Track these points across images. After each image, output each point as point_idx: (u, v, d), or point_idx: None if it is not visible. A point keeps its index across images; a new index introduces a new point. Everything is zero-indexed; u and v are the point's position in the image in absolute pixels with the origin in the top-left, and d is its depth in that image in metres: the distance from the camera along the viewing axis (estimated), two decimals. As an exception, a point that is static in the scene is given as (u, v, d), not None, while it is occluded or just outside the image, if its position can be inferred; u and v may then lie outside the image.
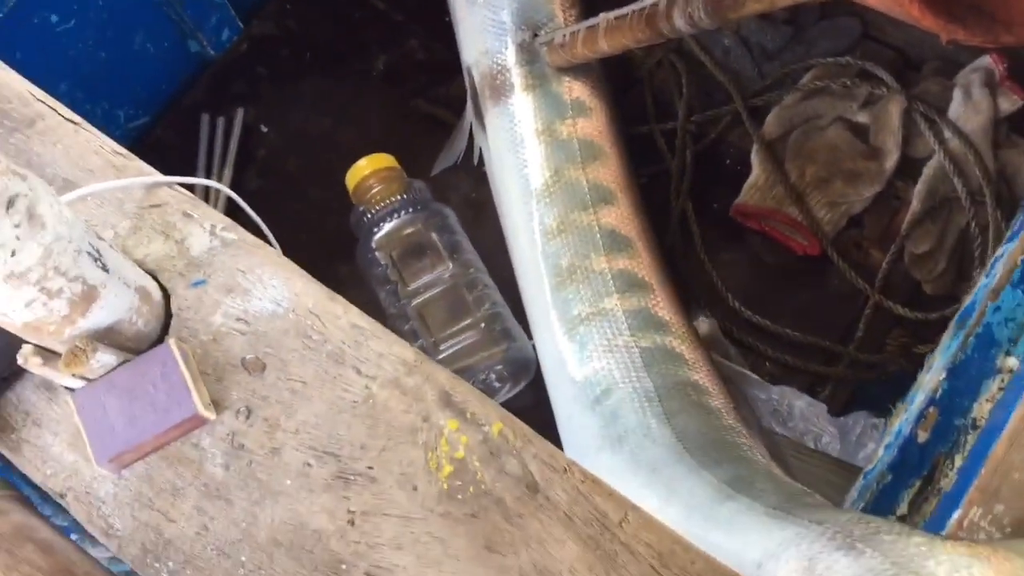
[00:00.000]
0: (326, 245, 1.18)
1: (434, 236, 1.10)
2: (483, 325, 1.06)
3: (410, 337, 1.04)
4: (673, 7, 0.93)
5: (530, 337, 1.07)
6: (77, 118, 0.75)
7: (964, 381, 0.73)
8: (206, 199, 1.18)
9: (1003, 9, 1.14)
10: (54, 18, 1.15)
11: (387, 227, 1.10)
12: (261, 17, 1.37)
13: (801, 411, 0.98)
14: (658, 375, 0.94)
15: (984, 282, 0.78)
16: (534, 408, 1.05)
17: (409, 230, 1.10)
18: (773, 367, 1.08)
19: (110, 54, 1.23)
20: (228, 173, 1.26)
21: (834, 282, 1.11)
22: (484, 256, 1.14)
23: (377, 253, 1.09)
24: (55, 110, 0.75)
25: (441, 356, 1.04)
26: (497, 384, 1.06)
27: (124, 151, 0.74)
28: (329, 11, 1.36)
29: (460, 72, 1.23)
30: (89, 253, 0.59)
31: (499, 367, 1.04)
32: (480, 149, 1.18)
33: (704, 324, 1.09)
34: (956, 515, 0.61)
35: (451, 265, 1.08)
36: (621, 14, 1.00)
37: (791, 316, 1.10)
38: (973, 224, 1.09)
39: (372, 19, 1.34)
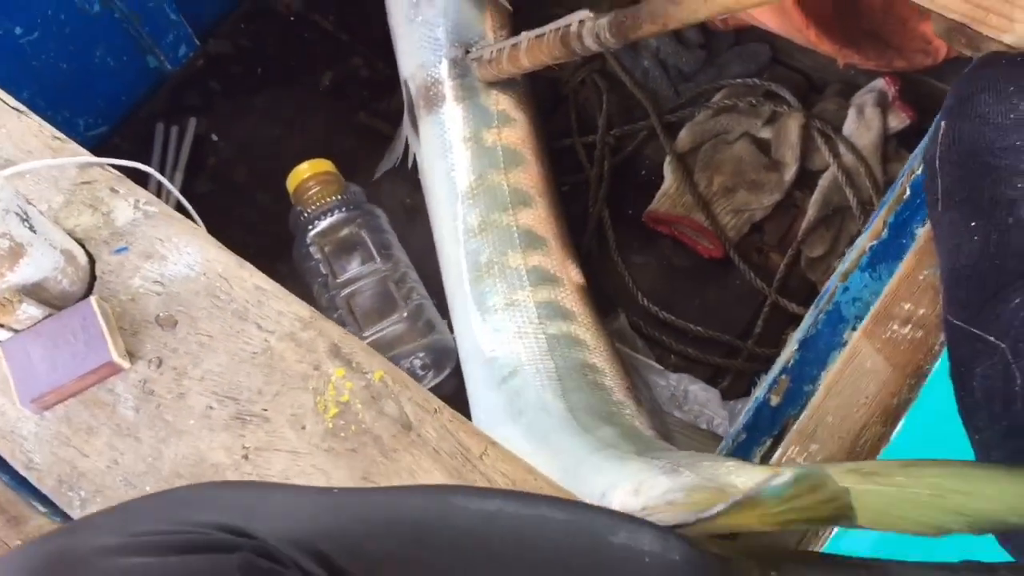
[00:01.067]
0: (268, 244, 1.25)
1: (365, 234, 1.18)
2: (407, 316, 1.14)
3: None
4: (583, 28, 1.03)
5: (452, 329, 1.15)
6: (21, 107, 0.83)
7: (814, 352, 0.81)
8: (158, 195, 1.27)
9: (896, 36, 1.25)
10: (18, 30, 1.24)
11: (321, 225, 1.18)
12: (217, 36, 1.46)
13: (695, 395, 1.06)
14: (560, 358, 1.02)
15: (839, 268, 0.87)
16: (457, 395, 1.13)
17: (342, 228, 1.18)
18: (678, 359, 1.16)
19: (71, 66, 1.32)
20: (179, 177, 1.34)
21: (736, 283, 1.20)
22: (414, 256, 1.22)
23: (311, 248, 1.17)
24: (3, 100, 0.83)
25: (366, 344, 1.11)
26: (421, 372, 1.13)
27: (61, 136, 0.82)
28: (281, 31, 1.45)
29: (400, 88, 1.32)
30: (17, 214, 0.66)
31: (422, 354, 1.12)
32: (415, 155, 1.26)
33: (615, 320, 1.17)
34: (777, 453, 0.69)
35: (379, 261, 1.16)
36: (540, 33, 1.10)
37: (696, 313, 1.18)
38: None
39: (320, 39, 1.44)
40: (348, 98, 1.40)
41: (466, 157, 1.19)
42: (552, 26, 1.09)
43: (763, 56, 1.32)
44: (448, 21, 1.26)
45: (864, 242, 0.85)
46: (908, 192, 0.86)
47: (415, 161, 1.27)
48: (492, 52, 1.20)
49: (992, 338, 0.56)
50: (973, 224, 0.60)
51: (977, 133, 0.62)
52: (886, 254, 0.84)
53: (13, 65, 1.25)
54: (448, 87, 1.23)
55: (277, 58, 1.43)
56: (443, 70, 1.24)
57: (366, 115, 1.38)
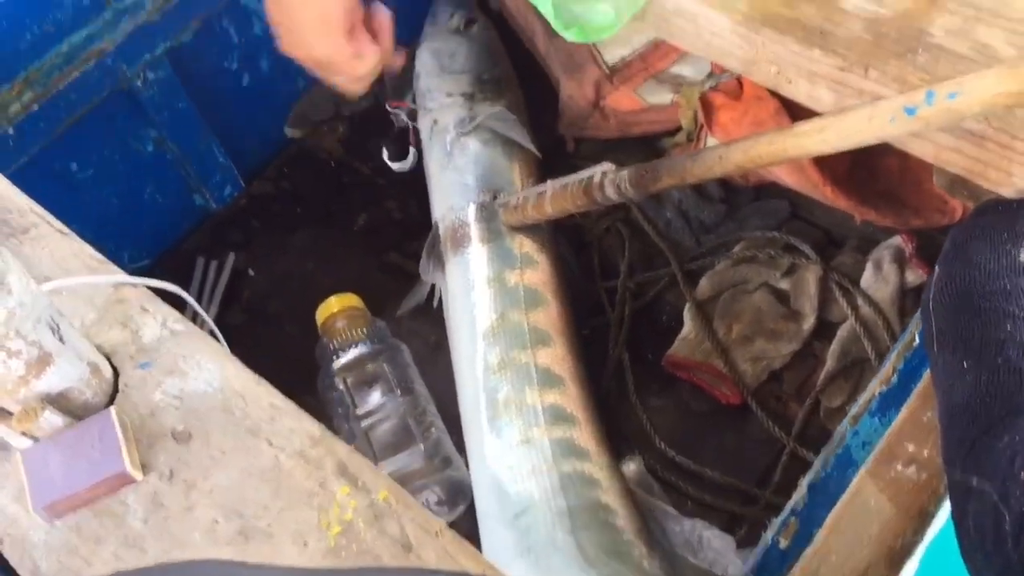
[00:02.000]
0: (294, 374, 1.27)
1: (387, 368, 1.20)
2: (424, 450, 1.15)
3: (355, 457, 1.13)
4: (605, 179, 1.08)
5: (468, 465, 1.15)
6: (66, 229, 0.88)
7: (823, 496, 0.81)
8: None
9: (913, 197, 1.28)
10: (74, 166, 1.32)
11: (346, 357, 1.21)
12: (261, 177, 1.53)
13: (710, 542, 1.04)
14: (573, 496, 1.02)
15: (850, 411, 0.87)
16: (471, 535, 1.12)
17: (366, 361, 1.21)
18: (694, 505, 1.15)
19: (121, 202, 1.39)
20: (214, 309, 1.38)
21: (754, 430, 1.20)
22: (435, 391, 1.24)
23: (335, 379, 1.20)
24: (48, 222, 0.88)
25: (382, 476, 1.12)
26: (435, 508, 1.13)
27: (100, 256, 0.86)
28: (321, 174, 1.53)
29: (430, 230, 1.38)
30: (48, 324, 0.70)
31: (437, 489, 1.12)
32: (440, 293, 1.30)
33: (632, 463, 1.17)
34: (779, 589, 0.68)
35: (400, 394, 1.18)
36: (565, 183, 1.15)
37: (713, 459, 1.18)
38: (880, 380, 1.18)
39: (358, 182, 1.51)
40: (381, 238, 1.45)
41: (489, 296, 1.22)
42: (576, 177, 1.14)
43: (782, 211, 1.36)
44: (478, 168, 1.33)
45: (875, 387, 0.86)
46: (917, 340, 0.87)
47: (440, 299, 1.31)
48: (518, 199, 1.25)
49: (981, 478, 0.57)
50: (965, 364, 0.62)
51: (968, 276, 0.64)
52: (895, 399, 0.84)
53: (66, 199, 1.32)
54: (475, 229, 1.28)
55: (316, 199, 1.50)
56: (471, 213, 1.29)
57: (397, 255, 1.43)
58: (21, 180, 1.20)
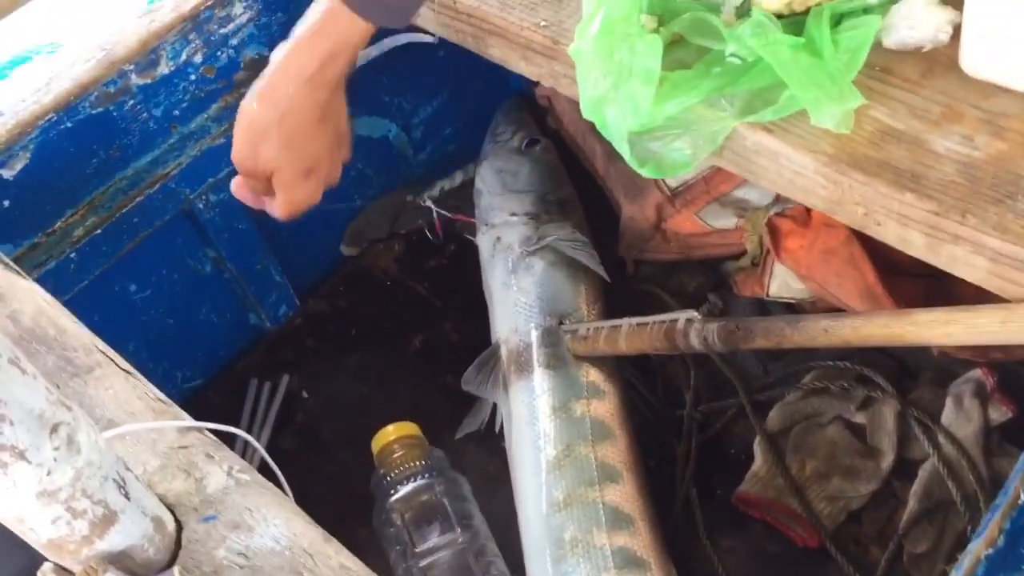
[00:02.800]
0: (349, 505, 1.24)
1: (446, 502, 1.15)
2: (485, 593, 1.09)
3: (414, 599, 1.08)
4: (690, 328, 1.05)
5: (531, 609, 1.10)
6: (131, 368, 0.86)
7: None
8: (243, 456, 1.28)
9: (992, 326, 1.23)
10: (133, 287, 1.31)
11: (403, 491, 1.17)
12: (317, 296, 1.52)
13: None
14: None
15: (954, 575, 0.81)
16: None
17: (423, 495, 1.16)
18: (771, 658, 1.08)
19: (177, 321, 1.37)
20: (266, 433, 1.35)
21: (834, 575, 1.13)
22: (495, 526, 1.19)
23: (392, 514, 1.15)
24: (113, 360, 0.86)
25: (441, 621, 1.07)
26: (496, 655, 1.07)
27: (165, 398, 0.84)
28: (377, 295, 1.51)
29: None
30: (115, 480, 0.67)
31: (498, 636, 1.07)
32: (501, 420, 1.26)
33: (703, 608, 1.10)
34: None
35: (459, 531, 1.13)
36: (643, 322, 1.12)
37: (791, 607, 1.11)
38: (970, 529, 1.11)
39: (414, 303, 1.49)
40: (438, 361, 1.42)
41: (554, 427, 1.18)
42: (656, 319, 1.11)
43: (854, 339, 1.31)
44: (544, 290, 1.30)
45: (979, 549, 0.80)
46: (1023, 496, 0.82)
47: (500, 425, 1.27)
48: (588, 330, 1.22)
49: None
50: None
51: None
52: (1003, 564, 0.78)
53: (123, 319, 1.31)
54: (539, 355, 1.24)
55: (371, 319, 1.48)
56: (535, 338, 1.26)
57: (454, 379, 1.40)
58: (80, 303, 1.20)
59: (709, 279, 1.45)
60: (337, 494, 1.27)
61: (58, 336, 0.87)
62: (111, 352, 0.87)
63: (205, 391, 1.43)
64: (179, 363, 1.41)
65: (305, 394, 1.41)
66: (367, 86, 1.47)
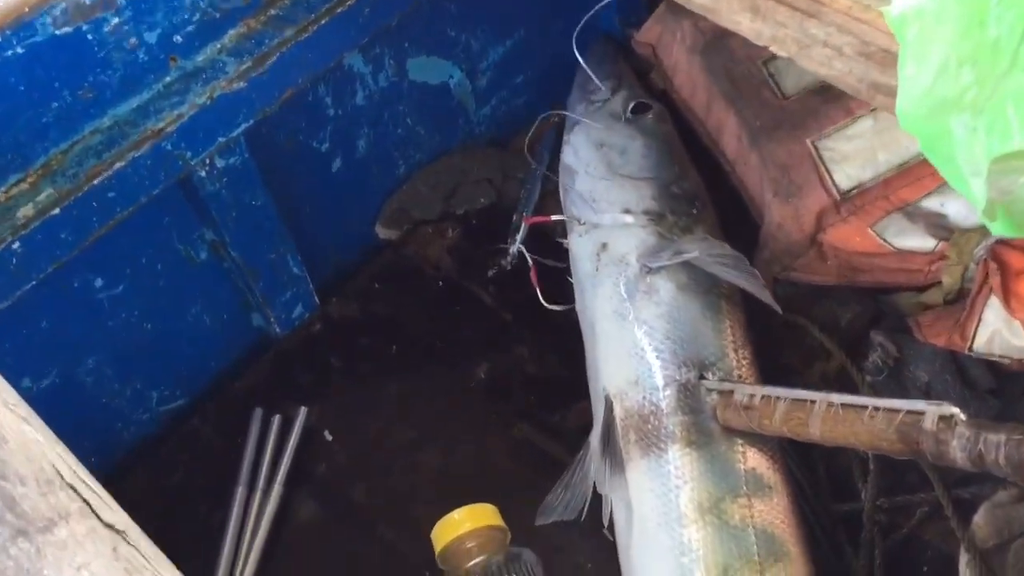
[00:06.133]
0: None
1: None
2: None
3: None
4: (948, 432, 0.69)
5: None
6: (122, 520, 0.48)
7: None
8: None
9: None
10: (99, 282, 0.92)
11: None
12: (343, 295, 1.14)
13: None
14: None
15: None
16: None
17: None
18: None
19: (157, 325, 0.99)
20: (278, 490, 0.98)
21: None
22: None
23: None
24: (89, 504, 0.48)
25: None
26: None
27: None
28: (425, 299, 1.13)
29: (581, 398, 0.99)
30: None
31: None
32: (611, 508, 0.91)
33: None
34: None
35: None
36: (854, 404, 0.77)
37: None
38: None
39: (476, 315, 1.11)
40: (507, 400, 1.06)
41: (703, 540, 0.84)
42: (882, 404, 0.75)
43: (1076, 415, 0.98)
44: (677, 327, 0.95)
45: None
46: None
47: (610, 518, 0.92)
48: (750, 397, 0.86)
49: None
50: None
51: None
52: None
53: (82, 324, 0.93)
54: (675, 423, 0.89)
55: (418, 333, 1.10)
56: (668, 398, 0.90)
57: (529, 428, 1.04)
58: (21, 305, 0.82)
59: (867, 311, 1.10)
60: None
61: (-10, 449, 0.49)
62: (97, 488, 0.49)
63: (189, 417, 1.05)
64: (155, 380, 1.03)
65: (328, 435, 1.03)
66: (430, 14, 1.08)
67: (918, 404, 0.76)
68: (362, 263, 1.16)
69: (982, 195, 0.54)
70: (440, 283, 1.14)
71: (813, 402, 0.81)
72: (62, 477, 0.49)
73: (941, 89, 0.54)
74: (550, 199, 1.15)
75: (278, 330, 1.09)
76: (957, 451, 0.72)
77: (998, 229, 0.56)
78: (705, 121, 1.18)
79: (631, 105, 1.14)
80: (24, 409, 0.51)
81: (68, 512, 0.48)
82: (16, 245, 0.78)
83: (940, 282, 1.02)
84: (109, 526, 0.48)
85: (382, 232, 1.17)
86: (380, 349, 1.09)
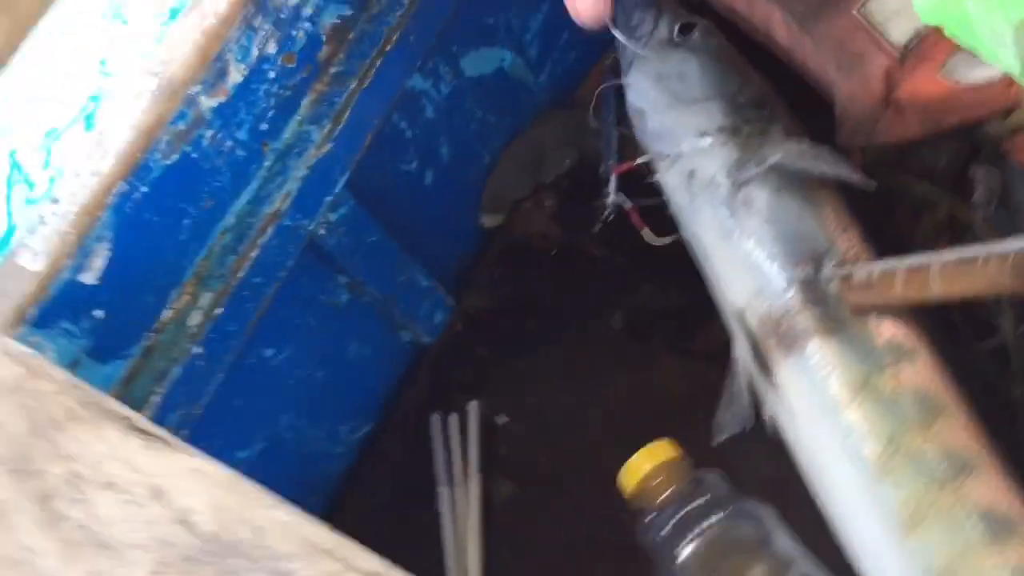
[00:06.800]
0: (602, 557, 0.99)
1: (760, 546, 0.89)
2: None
3: None
4: None
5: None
6: None
7: None
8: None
9: None
10: (269, 352, 1.03)
11: (688, 550, 0.90)
12: (470, 289, 1.23)
13: None
14: None
15: None
16: None
17: (724, 542, 0.90)
18: None
19: (328, 370, 1.11)
20: (476, 479, 1.09)
21: None
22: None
23: (689, 579, 0.89)
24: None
25: None
26: None
27: None
28: (544, 270, 1.21)
29: (715, 316, 1.05)
30: None
31: None
32: (771, 415, 0.98)
33: None
34: None
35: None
36: (964, 258, 0.81)
37: None
38: None
39: (595, 270, 1.19)
40: (649, 338, 1.13)
41: (860, 417, 0.89)
42: (993, 249, 0.79)
43: None
44: (782, 229, 0.99)
45: None
46: None
47: (772, 424, 0.99)
48: (869, 273, 0.91)
49: None
50: None
51: None
52: None
53: (268, 393, 1.04)
54: (807, 319, 0.94)
55: (548, 304, 1.19)
56: (794, 297, 0.96)
57: (677, 356, 1.11)
58: (217, 398, 0.94)
59: (962, 149, 1.12)
60: (584, 541, 1.02)
61: (257, 538, 0.60)
62: (349, 544, 0.59)
63: (380, 439, 1.17)
64: (340, 416, 1.15)
65: (500, 419, 1.14)
66: (466, 13, 1.14)
67: (1019, 240, 0.79)
68: (479, 255, 1.24)
69: (1015, 62, 0.58)
70: (553, 252, 1.22)
71: (927, 265, 0.86)
72: (317, 544, 0.60)
73: (951, -21, 0.58)
74: (630, 143, 1.20)
75: (427, 339, 1.19)
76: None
77: (1044, 86, 0.59)
78: (751, 19, 1.20)
79: (676, 28, 1.18)
80: (270, 498, 0.61)
81: (333, 573, 0.58)
82: (198, 350, 0.90)
83: (1022, 103, 1.03)
84: (369, 574, 0.58)
85: (487, 221, 1.25)
86: (520, 328, 1.18)
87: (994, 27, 0.57)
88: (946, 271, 0.85)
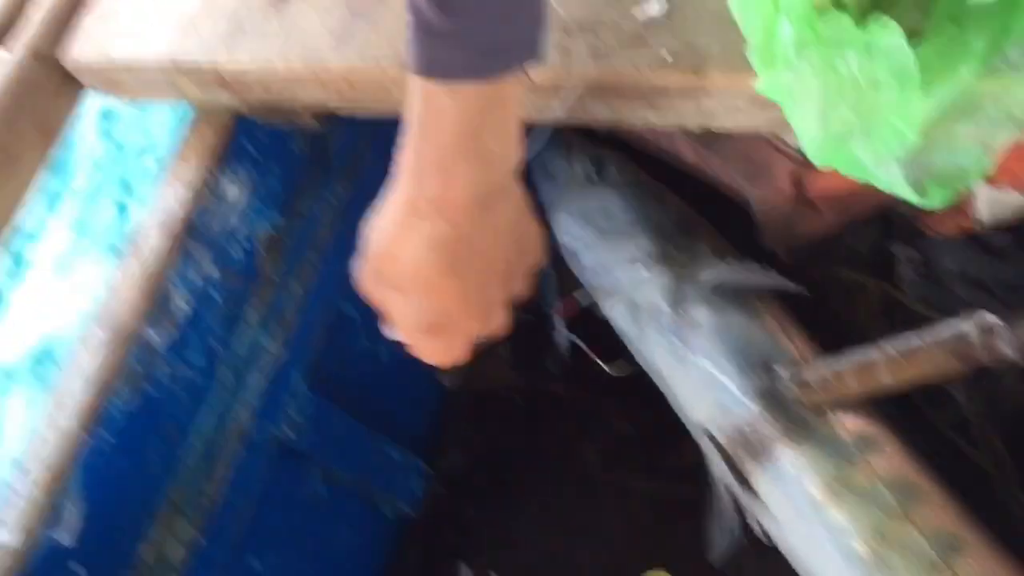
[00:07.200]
0: None
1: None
2: None
3: None
4: (995, 339, 0.77)
5: None
6: None
7: None
8: None
9: None
10: (257, 565, 1.03)
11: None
12: (443, 450, 1.24)
13: None
14: None
15: None
16: None
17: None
18: None
19: (318, 565, 1.10)
20: (481, 648, 1.09)
21: None
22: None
23: None
24: None
25: None
26: None
27: None
28: (511, 420, 1.23)
29: (681, 437, 1.08)
30: None
31: None
32: (757, 521, 1.00)
33: None
34: None
35: None
36: (907, 349, 0.85)
37: None
38: None
39: (558, 409, 1.21)
40: (623, 466, 1.15)
41: (844, 515, 0.91)
42: (931, 337, 0.84)
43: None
44: (730, 343, 1.03)
45: None
46: None
47: (762, 530, 1.00)
48: (822, 374, 0.95)
49: None
50: None
51: None
52: None
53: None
54: (771, 427, 0.97)
55: (523, 449, 1.20)
56: (754, 407, 0.99)
57: (659, 483, 1.13)
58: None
59: (882, 231, 1.17)
60: None
61: None
62: None
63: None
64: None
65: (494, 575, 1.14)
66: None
67: (956, 324, 0.84)
68: (446, 412, 1.26)
69: (909, 189, 0.62)
70: (515, 399, 1.24)
71: (874, 361, 0.89)
72: None
73: (830, 128, 0.62)
74: (569, 277, 1.24)
75: (410, 511, 1.20)
76: (1008, 351, 0.80)
77: (935, 202, 0.64)
78: (658, 143, 1.26)
79: (591, 167, 1.23)
80: None
81: None
82: (186, 585, 0.89)
83: (925, 182, 1.09)
84: None
85: (448, 380, 1.27)
86: (498, 481, 1.19)
87: (885, 167, 0.62)
88: (892, 364, 0.89)
